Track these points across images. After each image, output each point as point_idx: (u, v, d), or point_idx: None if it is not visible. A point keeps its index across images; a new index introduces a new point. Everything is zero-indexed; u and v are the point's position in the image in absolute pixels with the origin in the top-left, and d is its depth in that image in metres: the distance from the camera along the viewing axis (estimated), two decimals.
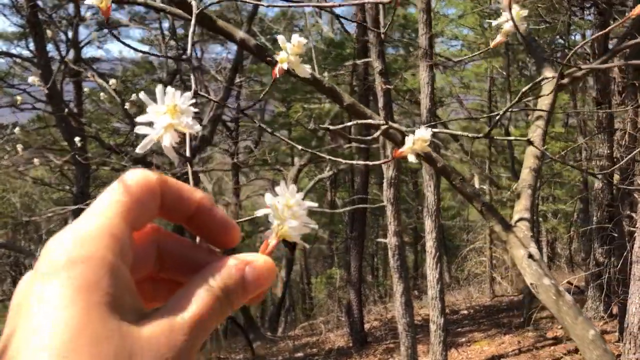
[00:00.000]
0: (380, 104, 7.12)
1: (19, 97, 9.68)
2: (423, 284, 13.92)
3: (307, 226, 0.48)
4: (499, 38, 1.43)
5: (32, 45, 11.18)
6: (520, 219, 3.22)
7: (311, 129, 12.00)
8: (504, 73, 11.72)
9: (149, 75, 13.82)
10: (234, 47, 12.91)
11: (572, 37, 11.05)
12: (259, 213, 0.49)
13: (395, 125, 2.43)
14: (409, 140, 0.84)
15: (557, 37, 10.42)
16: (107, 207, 0.40)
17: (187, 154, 0.83)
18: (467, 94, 13.87)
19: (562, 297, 2.96)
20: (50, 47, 11.08)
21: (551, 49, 10.24)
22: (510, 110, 1.78)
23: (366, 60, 9.34)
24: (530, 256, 3.07)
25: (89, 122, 11.15)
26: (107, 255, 0.37)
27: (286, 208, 0.47)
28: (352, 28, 11.68)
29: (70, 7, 10.96)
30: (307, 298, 16.67)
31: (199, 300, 0.40)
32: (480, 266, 12.72)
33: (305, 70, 0.89)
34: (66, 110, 8.37)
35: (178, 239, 0.47)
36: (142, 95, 0.54)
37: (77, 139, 5.74)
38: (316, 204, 0.49)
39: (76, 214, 9.38)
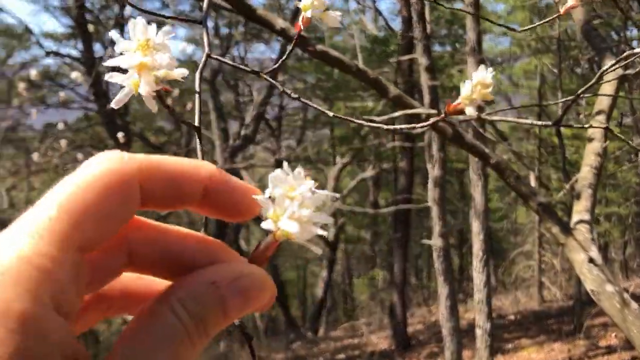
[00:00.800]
0: (426, 100, 6.92)
1: (62, 94, 9.85)
2: (468, 287, 13.58)
3: (317, 227, 0.35)
4: (571, 1, 1.23)
5: (80, 45, 11.41)
6: (580, 221, 2.99)
7: (354, 126, 11.84)
8: (555, 71, 11.29)
9: (192, 74, 13.89)
10: (277, 47, 12.89)
11: (629, 32, 10.56)
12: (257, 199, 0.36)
13: (462, 116, 2.25)
14: (466, 87, 0.63)
15: (613, 32, 9.97)
16: (38, 224, 0.28)
17: (196, 121, 0.67)
18: (516, 92, 13.44)
19: (628, 305, 2.72)
20: (97, 46, 11.32)
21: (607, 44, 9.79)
22: (582, 96, 1.59)
23: (411, 56, 9.13)
24: (591, 261, 2.84)
25: (134, 121, 11.31)
26: (21, 306, 0.24)
27: (286, 200, 0.35)
28: (396, 25, 11.49)
29: (116, 7, 11.14)
30: (349, 299, 16.52)
31: (163, 342, 0.29)
32: (528, 270, 12.31)
33: (334, 19, 0.72)
34: (111, 108, 8.47)
35: (157, 230, 0.35)
36: (112, 32, 0.44)
37: (120, 134, 5.74)
38: (337, 195, 0.38)
39: None
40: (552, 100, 12.81)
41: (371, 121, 2.44)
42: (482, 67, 0.65)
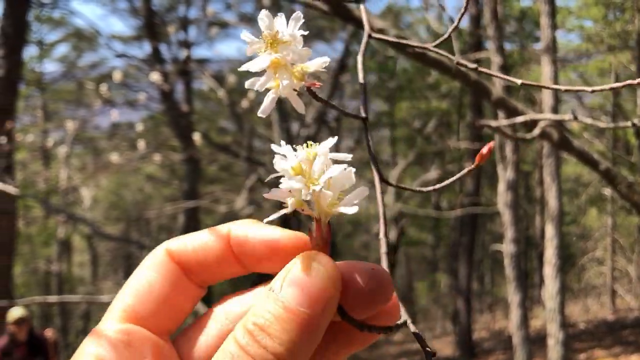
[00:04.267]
0: None
1: (141, 97, 10.06)
2: (534, 294, 13.12)
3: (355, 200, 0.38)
4: None
5: (146, 47, 11.63)
6: None
7: (417, 128, 11.62)
8: (631, 68, 10.74)
9: (250, 75, 13.95)
10: (338, 46, 12.78)
11: None
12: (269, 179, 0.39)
13: (586, 119, 2.06)
14: None
15: None
16: (116, 299, 0.41)
17: (362, 111, 0.61)
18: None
19: None
20: (162, 48, 11.47)
21: None
22: None
23: (482, 55, 8.87)
24: None
25: (198, 121, 11.43)
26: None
27: (308, 165, 0.37)
28: (463, 22, 11.19)
29: (182, 9, 11.33)
30: (410, 303, 16.29)
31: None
32: (600, 277, 11.78)
33: None
34: (180, 109, 8.58)
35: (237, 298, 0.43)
36: (243, 33, 0.41)
37: (196, 135, 5.75)
38: (349, 156, 0.39)
39: (187, 212, 9.62)
40: (629, 99, 12.21)
41: (487, 126, 2.28)
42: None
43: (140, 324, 0.38)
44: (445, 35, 0.78)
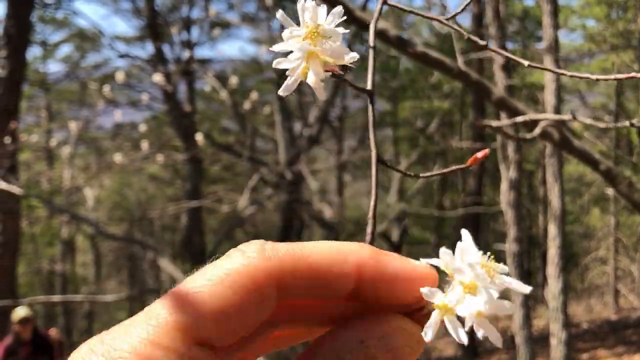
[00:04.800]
0: None
1: (144, 97, 10.09)
2: (538, 294, 13.12)
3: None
4: None
5: (148, 47, 11.66)
6: None
7: (419, 127, 11.63)
8: (634, 67, 10.73)
9: (258, 76, 14.07)
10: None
11: None
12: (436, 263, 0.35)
13: (585, 119, 2.07)
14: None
15: None
16: (162, 314, 0.29)
17: (368, 84, 0.58)
18: (591, 90, 12.88)
19: None
20: (165, 48, 11.49)
21: None
22: None
23: (485, 54, 8.86)
24: None
25: (201, 121, 11.46)
26: None
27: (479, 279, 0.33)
28: (464, 21, 11.19)
29: (185, 10, 11.37)
30: None
31: None
32: (603, 277, 11.77)
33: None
34: (183, 109, 8.62)
35: (306, 273, 0.32)
36: (279, 14, 0.42)
37: (198, 135, 5.78)
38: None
39: (190, 212, 9.65)
40: (632, 99, 12.20)
41: (488, 126, 2.28)
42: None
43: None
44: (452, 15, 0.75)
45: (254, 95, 5.27)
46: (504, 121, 2.29)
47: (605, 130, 11.73)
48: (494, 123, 2.32)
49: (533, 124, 2.80)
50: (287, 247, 0.32)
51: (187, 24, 11.14)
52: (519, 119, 2.17)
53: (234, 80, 4.18)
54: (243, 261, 0.30)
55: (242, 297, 0.30)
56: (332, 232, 12.49)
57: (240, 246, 0.32)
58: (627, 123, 1.41)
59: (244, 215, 10.48)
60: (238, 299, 0.29)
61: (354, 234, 15.62)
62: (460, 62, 2.77)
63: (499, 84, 7.32)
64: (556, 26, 7.10)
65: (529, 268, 14.58)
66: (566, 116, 2.02)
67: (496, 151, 7.70)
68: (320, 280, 0.32)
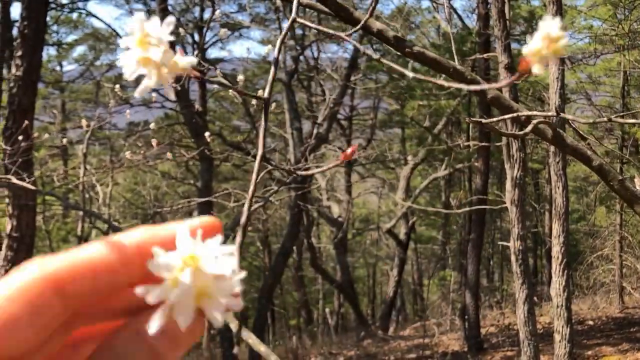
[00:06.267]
0: None
1: (153, 95, 10.27)
2: (542, 291, 13.21)
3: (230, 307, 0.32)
4: None
5: None
6: None
7: (426, 126, 11.77)
8: None
9: (266, 75, 14.22)
10: (350, 46, 12.95)
11: None
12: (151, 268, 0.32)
13: (570, 116, 2.26)
14: (535, 39, 0.47)
15: None
16: None
17: (266, 92, 0.62)
18: (596, 90, 12.94)
19: None
20: (177, 48, 11.67)
21: None
22: None
23: (488, 55, 8.98)
24: None
25: (213, 120, 11.67)
26: None
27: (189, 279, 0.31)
28: (471, 22, 11.32)
29: (197, 11, 11.57)
30: (419, 299, 16.40)
31: None
32: (608, 274, 11.84)
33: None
34: (195, 108, 8.81)
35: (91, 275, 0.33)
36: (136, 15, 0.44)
37: (207, 133, 5.97)
38: (243, 273, 0.32)
39: (201, 207, 9.85)
40: (637, 98, 12.26)
41: (477, 123, 2.48)
42: (547, 17, 0.45)
43: None
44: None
45: (261, 92, 5.40)
46: (493, 119, 2.48)
47: (612, 130, 11.82)
48: (484, 120, 2.50)
49: (526, 121, 2.99)
50: (63, 255, 0.33)
51: (199, 25, 11.34)
52: (507, 116, 2.35)
53: (240, 77, 4.29)
54: (21, 276, 0.31)
55: (24, 309, 0.30)
56: (340, 228, 12.68)
57: (21, 265, 0.32)
58: (615, 118, 1.57)
59: (253, 211, 10.64)
60: (21, 312, 0.30)
61: (361, 231, 15.81)
62: (456, 61, 2.97)
63: (502, 83, 7.44)
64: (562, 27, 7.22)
65: (535, 266, 14.68)
66: (550, 113, 2.19)
67: (501, 149, 7.82)
68: (99, 278, 0.32)
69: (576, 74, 12.31)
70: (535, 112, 2.64)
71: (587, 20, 11.74)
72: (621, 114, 9.97)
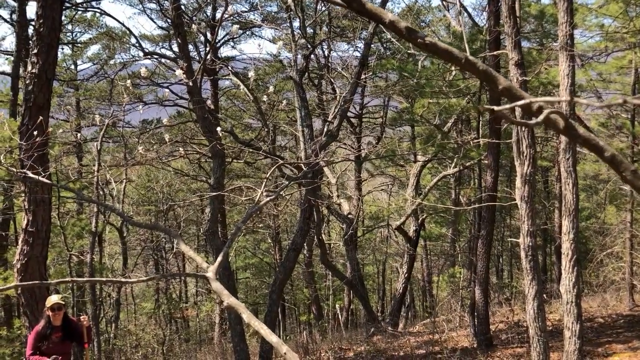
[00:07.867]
0: None
1: (165, 92, 10.43)
2: (552, 289, 13.22)
3: None
4: None
5: (174, 46, 12.00)
6: None
7: (436, 124, 11.81)
8: None
9: (279, 74, 14.36)
10: (360, 44, 13.03)
11: None
12: None
13: (582, 100, 2.33)
14: None
15: None
16: None
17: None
18: (607, 88, 12.93)
19: None
20: (190, 47, 11.85)
21: None
22: None
23: (499, 52, 9.03)
24: None
25: (224, 118, 11.79)
26: None
27: None
28: (480, 20, 11.36)
29: (209, 10, 11.67)
30: (428, 295, 16.44)
31: None
32: (618, 272, 11.85)
33: None
34: (208, 106, 8.92)
35: None
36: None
37: (218, 128, 6.06)
38: None
39: (212, 205, 9.99)
40: None
41: (489, 110, 2.58)
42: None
43: None
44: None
45: (271, 89, 5.49)
46: (505, 106, 2.56)
47: (622, 128, 11.81)
48: (496, 108, 2.58)
49: (538, 111, 3.07)
50: None
51: (212, 24, 11.45)
52: (518, 103, 2.43)
53: (251, 73, 4.37)
54: None
55: None
56: (350, 225, 12.76)
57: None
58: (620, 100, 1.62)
59: (260, 205, 10.76)
60: None
61: (371, 228, 15.87)
62: (467, 53, 3.07)
63: (513, 80, 7.49)
64: (571, 23, 7.26)
65: (545, 263, 14.69)
66: (562, 98, 2.27)
67: (512, 147, 7.87)
68: None
69: (587, 72, 12.31)
70: (547, 98, 2.71)
71: (598, 18, 11.73)
72: (638, 96, 9.97)
